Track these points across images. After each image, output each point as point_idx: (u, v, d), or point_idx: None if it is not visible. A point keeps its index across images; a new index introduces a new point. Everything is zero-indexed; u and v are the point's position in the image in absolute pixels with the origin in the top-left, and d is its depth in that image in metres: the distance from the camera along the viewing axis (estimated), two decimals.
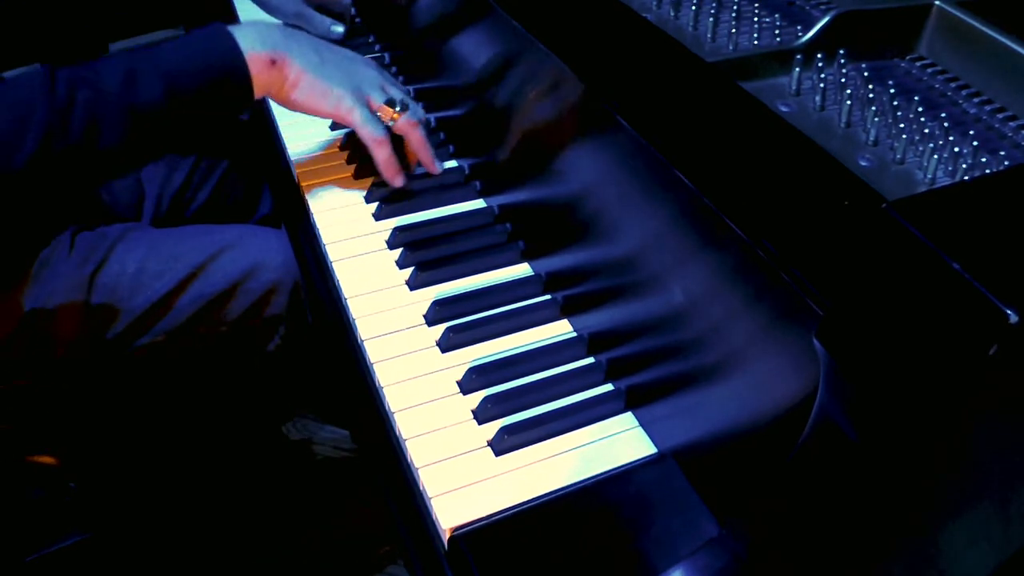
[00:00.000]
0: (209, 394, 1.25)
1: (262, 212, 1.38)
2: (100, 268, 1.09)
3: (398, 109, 0.95)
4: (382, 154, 0.96)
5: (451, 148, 1.08)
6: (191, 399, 1.25)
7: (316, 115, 0.94)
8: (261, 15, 1.30)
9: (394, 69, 1.25)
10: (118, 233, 1.13)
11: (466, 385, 0.79)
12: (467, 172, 1.05)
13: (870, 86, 0.82)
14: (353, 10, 1.30)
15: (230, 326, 1.13)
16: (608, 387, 0.79)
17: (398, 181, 0.98)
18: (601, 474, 0.71)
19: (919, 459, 0.50)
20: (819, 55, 0.85)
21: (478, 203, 1.01)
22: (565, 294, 0.86)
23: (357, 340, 0.85)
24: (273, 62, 0.86)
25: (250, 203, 1.38)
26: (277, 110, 1.18)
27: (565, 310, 0.86)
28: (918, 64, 0.88)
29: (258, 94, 0.88)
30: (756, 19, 0.93)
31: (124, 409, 1.19)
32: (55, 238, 1.09)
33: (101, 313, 1.08)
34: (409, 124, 0.97)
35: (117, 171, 0.89)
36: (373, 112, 0.95)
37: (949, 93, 0.83)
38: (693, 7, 0.96)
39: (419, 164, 1.02)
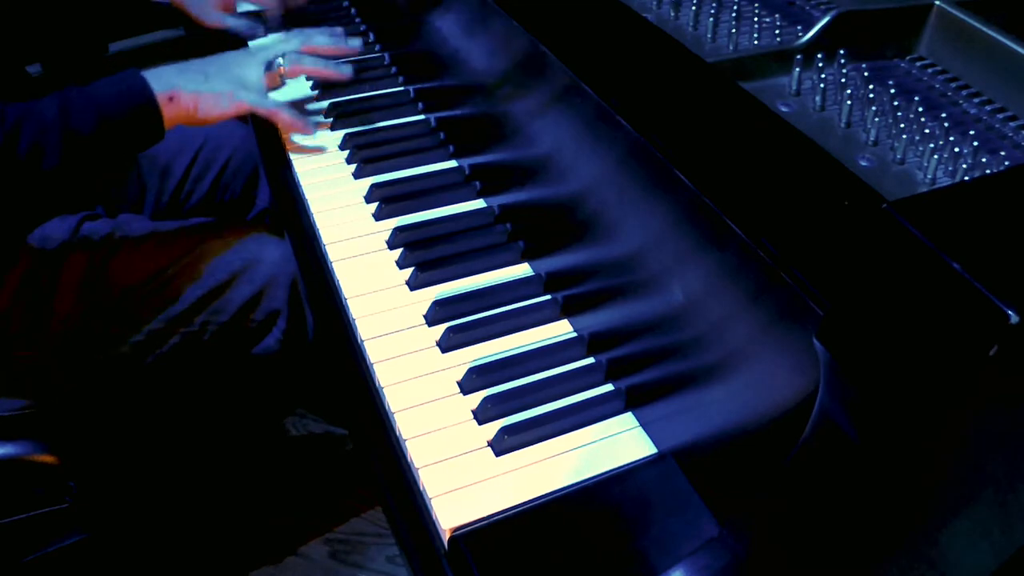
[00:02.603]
0: (210, 390, 1.25)
1: (259, 207, 1.39)
2: (101, 248, 1.12)
3: (278, 67, 1.08)
4: (282, 121, 1.09)
5: (451, 148, 1.08)
6: (192, 395, 1.25)
7: (223, 119, 1.05)
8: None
9: (394, 69, 1.25)
10: (120, 220, 1.16)
11: (466, 385, 0.79)
12: (467, 172, 1.05)
13: (870, 86, 0.82)
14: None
15: (229, 317, 1.14)
16: (608, 387, 0.79)
17: (308, 130, 1.11)
18: (601, 474, 0.71)
19: (919, 459, 0.50)
20: (819, 55, 0.85)
21: (478, 203, 1.01)
22: (565, 294, 0.86)
23: (357, 340, 0.85)
24: (171, 98, 1.01)
25: (247, 198, 1.38)
26: None
27: (565, 310, 0.86)
28: (918, 64, 0.88)
29: (168, 125, 1.02)
30: (756, 19, 0.93)
31: (125, 407, 1.19)
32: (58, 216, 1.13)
33: (98, 289, 1.09)
34: (293, 70, 1.10)
35: (58, 192, 1.06)
36: (263, 89, 1.08)
37: (949, 93, 0.83)
38: (693, 7, 0.96)
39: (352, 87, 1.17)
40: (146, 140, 1.02)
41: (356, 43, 1.15)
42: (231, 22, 1.29)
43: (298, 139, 1.12)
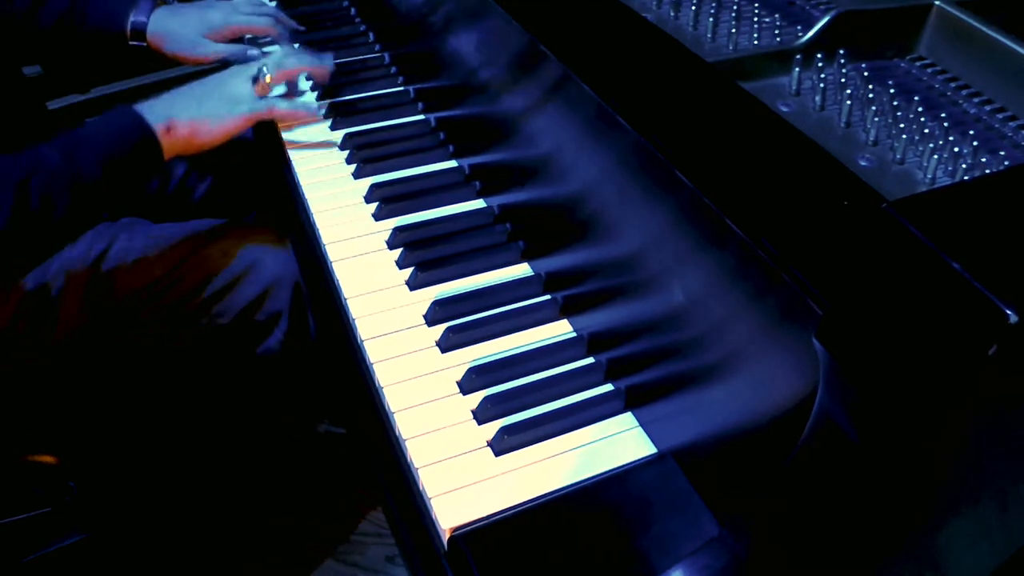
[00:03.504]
0: (212, 391, 1.25)
1: (261, 208, 1.38)
2: (104, 254, 1.11)
3: (264, 76, 1.07)
4: (282, 115, 1.10)
5: (451, 148, 1.08)
6: (193, 396, 1.25)
7: (224, 140, 1.05)
8: None
9: (394, 69, 1.25)
10: (121, 225, 1.15)
11: (466, 385, 0.79)
12: (467, 172, 1.05)
13: (870, 86, 0.82)
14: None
15: (231, 319, 1.14)
16: (608, 387, 0.79)
17: (314, 116, 1.14)
18: (601, 474, 0.71)
19: (919, 459, 0.50)
20: (819, 55, 0.85)
21: (478, 203, 1.01)
22: (565, 294, 0.86)
23: (357, 340, 0.85)
24: (168, 130, 1.00)
25: (249, 198, 1.38)
26: None
27: (565, 310, 0.86)
28: (918, 64, 0.88)
29: (167, 156, 1.01)
30: (756, 19, 0.93)
31: (126, 407, 1.19)
32: None
33: (102, 294, 1.09)
34: (279, 75, 1.09)
35: (68, 237, 1.06)
36: (254, 98, 1.06)
37: (949, 93, 0.83)
38: (693, 7, 0.96)
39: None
40: (147, 174, 1.02)
41: (328, 60, 1.16)
42: (225, 51, 1.26)
43: (301, 135, 1.12)
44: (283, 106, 1.09)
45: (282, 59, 1.10)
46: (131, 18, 1.23)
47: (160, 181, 1.32)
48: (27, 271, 1.09)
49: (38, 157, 0.92)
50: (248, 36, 1.30)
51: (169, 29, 1.25)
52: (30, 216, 0.90)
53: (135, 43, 1.25)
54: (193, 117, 1.01)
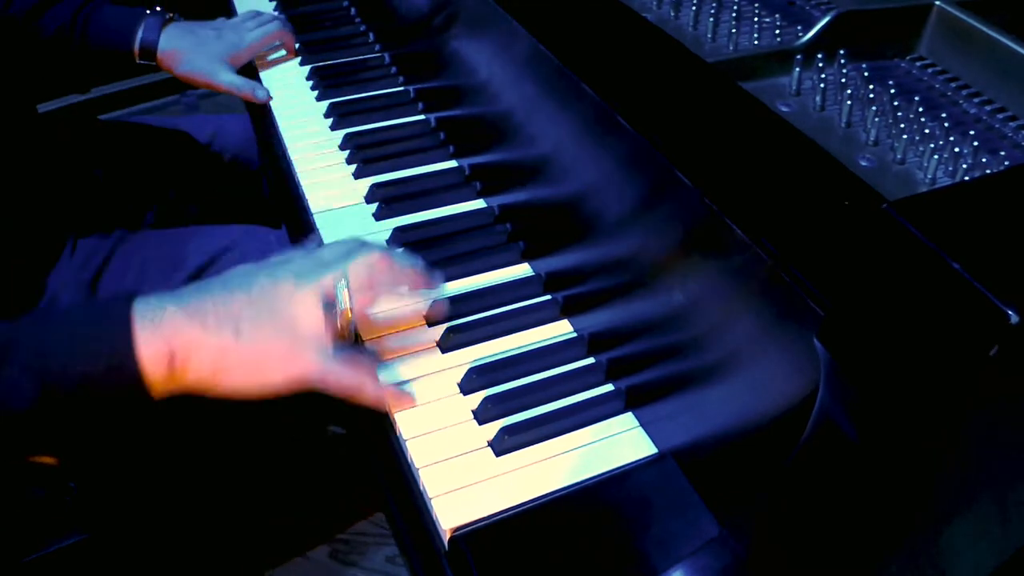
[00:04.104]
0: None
1: (261, 210, 1.38)
2: (101, 274, 1.09)
3: (343, 297, 0.70)
4: (368, 394, 0.72)
5: (451, 148, 1.08)
6: (193, 397, 1.25)
7: (266, 397, 0.70)
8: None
9: (394, 69, 1.25)
10: (117, 238, 1.14)
11: (466, 385, 0.79)
12: (467, 172, 1.05)
13: (870, 86, 0.82)
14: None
15: None
16: (608, 387, 0.79)
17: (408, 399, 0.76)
18: (601, 474, 0.71)
19: (919, 459, 0.50)
20: (819, 55, 0.85)
21: (478, 203, 1.01)
22: (565, 294, 0.86)
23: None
24: (171, 359, 0.62)
25: (249, 201, 1.38)
26: (277, 109, 1.19)
27: (565, 310, 0.86)
28: (918, 64, 0.88)
29: (159, 395, 0.65)
30: (756, 19, 0.93)
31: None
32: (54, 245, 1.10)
33: None
34: (362, 300, 0.73)
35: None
36: (322, 337, 0.69)
37: (949, 93, 0.83)
38: (693, 7, 0.96)
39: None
40: (124, 409, 0.65)
41: (438, 280, 0.82)
42: (236, 84, 1.20)
43: (300, 133, 1.09)
44: (371, 392, 0.72)
45: (367, 264, 0.74)
46: (139, 35, 1.18)
47: (158, 191, 1.30)
48: None
49: None
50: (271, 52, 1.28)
51: (184, 49, 1.19)
52: None
53: (144, 62, 1.19)
54: (223, 350, 0.64)
